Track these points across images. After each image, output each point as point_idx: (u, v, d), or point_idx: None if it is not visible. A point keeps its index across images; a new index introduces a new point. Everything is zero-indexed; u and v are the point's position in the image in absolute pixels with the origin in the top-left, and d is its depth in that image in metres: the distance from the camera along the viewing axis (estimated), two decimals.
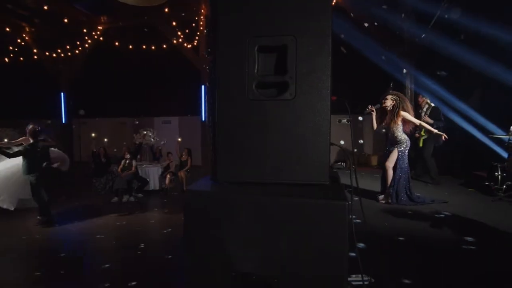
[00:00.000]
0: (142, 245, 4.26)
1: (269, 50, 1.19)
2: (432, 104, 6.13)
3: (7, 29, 6.75)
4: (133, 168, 7.23)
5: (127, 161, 7.28)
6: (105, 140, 8.12)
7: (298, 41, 1.13)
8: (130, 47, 7.13)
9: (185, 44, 6.91)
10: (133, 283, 3.09)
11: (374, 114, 4.72)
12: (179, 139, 8.94)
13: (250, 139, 1.15)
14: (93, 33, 7.36)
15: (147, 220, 5.71)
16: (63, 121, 8.41)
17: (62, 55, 7.43)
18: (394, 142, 4.67)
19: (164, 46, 7.23)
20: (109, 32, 7.50)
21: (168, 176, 7.54)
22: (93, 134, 7.97)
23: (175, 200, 6.96)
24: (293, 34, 1.13)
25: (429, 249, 3.26)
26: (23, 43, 7.48)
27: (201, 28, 7.04)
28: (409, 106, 4.73)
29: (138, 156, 8.36)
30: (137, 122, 10.75)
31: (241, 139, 1.16)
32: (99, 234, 4.82)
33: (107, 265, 3.66)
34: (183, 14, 6.72)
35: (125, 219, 5.73)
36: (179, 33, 6.74)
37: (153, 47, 7.35)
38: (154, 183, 7.62)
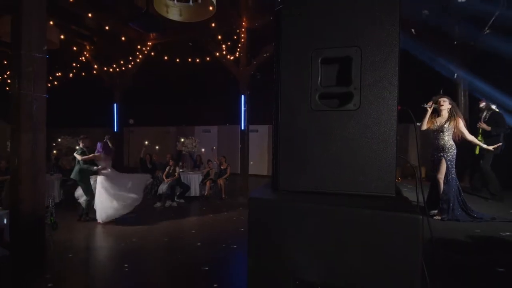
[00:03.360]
0: (180, 250, 4.43)
1: (331, 61, 1.20)
2: (496, 110, 5.53)
3: (74, 48, 7.61)
4: (176, 175, 7.58)
5: (171, 168, 7.66)
6: (156, 147, 8.70)
7: (363, 51, 1.13)
8: (177, 60, 7.61)
9: (228, 56, 7.19)
10: None
11: (429, 113, 4.42)
12: (214, 147, 9.29)
13: (312, 149, 1.16)
14: (144, 48, 7.99)
15: (187, 225, 5.92)
16: (115, 130, 9.15)
17: (117, 69, 8.16)
18: (441, 148, 4.35)
19: (208, 58, 7.60)
20: (157, 47, 8.09)
21: (208, 183, 7.78)
22: (146, 142, 8.61)
23: (214, 207, 7.14)
24: (357, 45, 1.14)
25: (487, 274, 2.94)
26: (84, 60, 8.37)
27: (242, 40, 7.27)
28: (460, 115, 4.41)
29: (180, 163, 8.77)
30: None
31: (304, 148, 1.17)
32: (140, 236, 5.11)
33: (142, 268, 3.84)
34: (226, 28, 7.03)
35: (166, 223, 6.00)
36: (223, 46, 7.05)
37: (197, 60, 7.76)
38: (195, 190, 7.91)
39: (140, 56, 8.06)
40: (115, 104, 9.03)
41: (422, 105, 4.38)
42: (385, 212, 0.95)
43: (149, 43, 8.07)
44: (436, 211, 4.49)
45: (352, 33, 1.15)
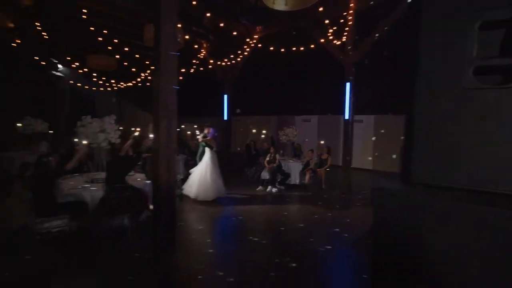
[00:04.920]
0: (278, 234, 4.61)
1: (494, 26, 0.94)
2: None
3: (195, 46, 8.77)
4: (276, 162, 7.87)
5: (272, 155, 7.99)
6: (262, 135, 9.35)
7: None
8: (282, 50, 7.76)
9: (334, 42, 6.84)
10: (272, 274, 3.32)
11: None
12: (322, 142, 9.22)
13: (460, 137, 0.95)
14: (251, 42, 8.47)
15: (286, 211, 6.12)
16: (224, 118, 10.16)
17: (228, 63, 8.96)
18: None
19: (312, 46, 7.44)
20: (263, 39, 8.44)
21: (308, 172, 7.76)
22: (254, 130, 9.38)
23: (313, 196, 7.11)
24: None
25: None
26: (202, 56, 9.53)
27: (350, 23, 6.76)
28: None
29: (281, 151, 9.06)
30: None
31: (448, 136, 0.97)
32: (245, 216, 5.60)
33: (248, 246, 4.14)
34: (333, 13, 6.68)
35: (267, 207, 6.38)
36: (330, 31, 6.73)
37: (301, 48, 7.70)
38: (294, 178, 8.03)
39: (248, 49, 8.60)
40: (225, 95, 9.99)
41: None
42: None
43: (256, 36, 8.49)
44: None
45: None
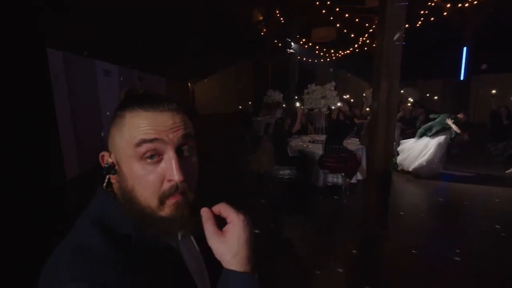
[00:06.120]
0: None
1: None
2: None
3: None
4: None
5: None
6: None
7: None
8: None
9: None
10: None
11: None
12: None
13: None
14: None
15: None
16: (461, 78, 7.97)
17: (475, 2, 6.72)
18: None
19: None
20: None
21: None
22: (493, 91, 6.88)
23: None
24: None
25: None
26: (433, 4, 7.77)
27: None
28: None
29: None
30: None
31: None
32: (488, 198, 4.45)
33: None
34: None
35: None
36: None
37: None
38: None
39: None
40: (464, 48, 7.73)
41: None
42: None
43: None
44: None
45: None
